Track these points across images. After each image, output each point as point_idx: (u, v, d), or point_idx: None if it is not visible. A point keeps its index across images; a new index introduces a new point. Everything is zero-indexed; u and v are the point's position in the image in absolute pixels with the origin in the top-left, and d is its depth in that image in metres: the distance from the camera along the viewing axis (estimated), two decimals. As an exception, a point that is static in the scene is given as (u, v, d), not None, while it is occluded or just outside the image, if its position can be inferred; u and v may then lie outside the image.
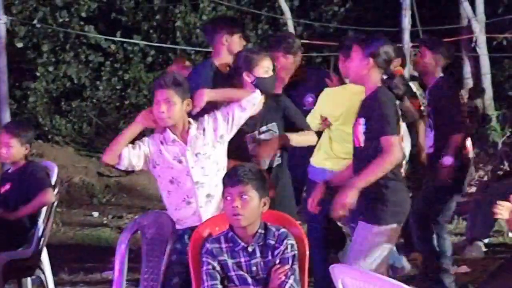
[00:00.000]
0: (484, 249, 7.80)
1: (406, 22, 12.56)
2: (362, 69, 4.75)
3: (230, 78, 5.38)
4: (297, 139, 5.34)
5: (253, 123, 5.13)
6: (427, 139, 6.53)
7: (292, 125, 5.34)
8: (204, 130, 4.83)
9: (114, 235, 9.40)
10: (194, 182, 4.75)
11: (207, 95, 4.87)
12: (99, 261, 7.95)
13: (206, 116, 4.87)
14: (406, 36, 12.76)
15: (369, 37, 4.88)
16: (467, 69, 14.01)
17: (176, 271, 4.62)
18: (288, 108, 5.40)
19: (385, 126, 4.61)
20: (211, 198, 4.77)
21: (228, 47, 5.94)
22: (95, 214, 10.87)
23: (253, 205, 4.10)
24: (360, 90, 4.91)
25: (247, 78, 5.21)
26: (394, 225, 4.72)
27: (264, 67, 5.25)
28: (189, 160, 4.76)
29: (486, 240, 7.90)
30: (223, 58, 5.95)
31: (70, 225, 10.09)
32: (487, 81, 13.31)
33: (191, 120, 4.84)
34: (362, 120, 4.73)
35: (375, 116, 4.65)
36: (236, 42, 5.96)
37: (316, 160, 5.73)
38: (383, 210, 4.68)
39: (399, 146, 4.66)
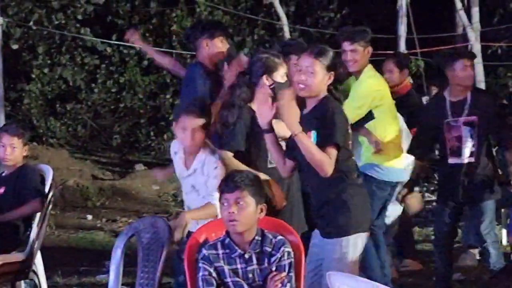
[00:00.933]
0: (478, 257, 7.81)
1: (402, 29, 12.62)
2: (325, 84, 4.71)
3: (218, 76, 5.53)
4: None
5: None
6: (465, 149, 6.33)
7: None
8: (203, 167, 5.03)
9: (108, 239, 9.39)
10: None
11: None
12: (93, 265, 7.95)
13: (213, 160, 5.01)
14: (402, 44, 12.81)
15: (322, 49, 4.75)
16: (462, 76, 14.01)
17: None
18: None
19: (334, 134, 4.51)
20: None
21: (209, 50, 6.02)
22: (89, 217, 10.85)
23: (249, 211, 4.11)
24: None
25: (266, 81, 5.25)
26: (362, 234, 4.66)
27: (281, 73, 5.35)
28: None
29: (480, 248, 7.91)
30: (207, 61, 6.04)
31: (64, 228, 10.07)
32: (482, 90, 13.33)
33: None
34: (313, 133, 4.55)
35: (326, 125, 4.53)
36: (217, 46, 6.01)
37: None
38: (347, 219, 4.59)
39: (333, 159, 4.50)
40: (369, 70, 6.29)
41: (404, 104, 7.08)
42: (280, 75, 5.32)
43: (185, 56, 16.14)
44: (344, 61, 6.20)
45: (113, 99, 16.31)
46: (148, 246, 4.71)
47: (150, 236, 4.71)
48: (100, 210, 11.45)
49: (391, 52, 12.77)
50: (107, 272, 7.42)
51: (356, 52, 6.19)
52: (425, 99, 15.32)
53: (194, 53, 6.83)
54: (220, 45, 6.03)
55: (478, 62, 13.35)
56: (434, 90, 15.73)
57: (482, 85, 13.24)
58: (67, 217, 10.94)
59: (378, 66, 7.20)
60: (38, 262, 6.09)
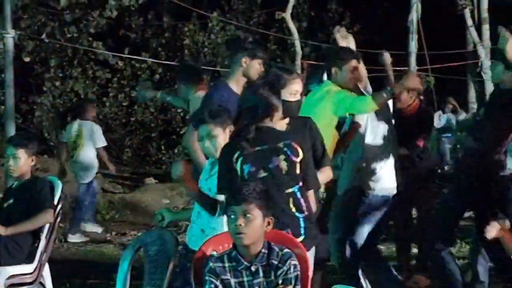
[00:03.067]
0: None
1: (413, 46, 12.63)
2: None
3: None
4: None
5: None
6: (509, 162, 6.29)
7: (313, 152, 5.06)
8: None
9: (117, 252, 9.38)
10: None
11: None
12: (101, 278, 7.93)
13: None
14: (413, 60, 12.82)
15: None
16: (472, 93, 14.05)
17: None
18: (313, 130, 5.21)
19: None
20: None
21: (245, 69, 5.87)
22: (99, 230, 10.85)
23: (256, 224, 4.10)
24: None
25: None
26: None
27: (291, 90, 5.15)
28: None
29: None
30: (237, 79, 5.89)
31: (74, 241, 10.09)
32: (492, 106, 13.31)
33: None
34: None
35: None
36: (254, 67, 5.87)
37: None
38: None
39: None
40: None
41: (417, 121, 7.21)
42: (290, 92, 5.11)
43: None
44: (349, 78, 6.10)
45: (124, 112, 16.37)
46: (156, 259, 4.71)
47: (157, 248, 4.72)
48: (110, 223, 11.45)
49: (403, 68, 12.83)
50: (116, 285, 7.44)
51: None
52: (437, 115, 15.39)
53: (206, 67, 6.93)
54: (256, 68, 5.89)
55: (489, 79, 13.37)
56: (450, 106, 15.81)
57: (493, 102, 13.24)
58: (77, 230, 10.93)
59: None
60: (46, 274, 6.08)
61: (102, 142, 10.75)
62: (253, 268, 4.15)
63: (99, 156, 10.70)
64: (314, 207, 4.72)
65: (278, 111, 4.65)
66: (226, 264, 4.15)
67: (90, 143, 10.56)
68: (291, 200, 4.51)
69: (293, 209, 4.53)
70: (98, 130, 10.77)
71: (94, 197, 10.81)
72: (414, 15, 13.04)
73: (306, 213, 4.57)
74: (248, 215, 4.09)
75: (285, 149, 4.53)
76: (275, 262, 4.16)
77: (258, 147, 4.54)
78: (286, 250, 4.21)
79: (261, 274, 4.15)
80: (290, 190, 4.53)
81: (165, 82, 16.25)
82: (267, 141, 4.55)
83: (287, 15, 14.64)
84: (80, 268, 8.57)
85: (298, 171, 4.55)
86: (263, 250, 4.16)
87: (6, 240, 5.81)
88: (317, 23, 17.33)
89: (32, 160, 6.06)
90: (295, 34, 14.84)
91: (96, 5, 15.61)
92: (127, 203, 12.30)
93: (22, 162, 6.01)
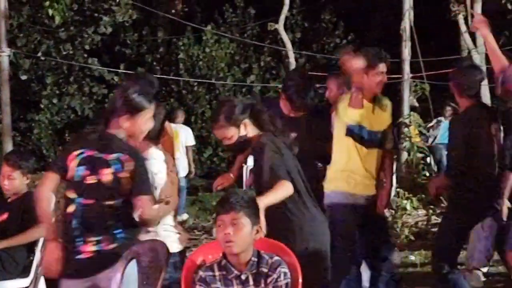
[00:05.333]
0: (483, 278, 7.78)
1: (406, 53, 12.68)
2: None
3: None
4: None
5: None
6: None
7: None
8: None
9: (113, 266, 9.39)
10: None
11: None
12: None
13: None
14: (407, 67, 12.86)
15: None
16: (468, 99, 14.04)
17: None
18: None
19: None
20: None
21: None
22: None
23: (245, 232, 4.12)
24: None
25: None
26: None
27: None
28: None
29: (485, 270, 7.88)
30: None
31: (70, 256, 10.08)
32: (488, 112, 13.34)
33: None
34: None
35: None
36: None
37: None
38: None
39: None
40: None
41: None
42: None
43: (192, 84, 16.25)
44: (378, 82, 5.96)
45: (121, 128, 16.39)
46: (148, 269, 4.72)
47: (149, 259, 4.73)
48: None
49: (397, 75, 12.87)
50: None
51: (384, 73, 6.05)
52: (433, 122, 15.38)
53: (201, 80, 7.05)
54: None
55: (485, 84, 13.39)
56: (449, 111, 15.75)
57: (488, 108, 13.28)
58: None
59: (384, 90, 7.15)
60: (42, 288, 6.11)
61: None
62: (243, 277, 4.16)
63: None
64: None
65: None
66: (216, 273, 4.17)
67: None
68: (109, 211, 4.36)
69: (111, 220, 4.37)
70: None
71: None
72: (407, 23, 13.09)
73: (122, 225, 4.39)
74: (237, 223, 4.11)
75: (116, 161, 4.40)
76: (265, 270, 4.17)
77: (97, 152, 4.42)
78: (276, 257, 4.23)
79: (251, 282, 4.17)
80: (110, 202, 4.38)
81: (161, 96, 16.27)
82: (106, 149, 4.43)
83: (280, 26, 14.70)
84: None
85: (125, 185, 4.38)
86: (253, 258, 4.18)
87: (1, 254, 5.84)
88: (311, 33, 17.38)
89: (27, 178, 6.11)
90: (289, 45, 14.90)
91: (91, 22, 15.71)
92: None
93: (17, 182, 6.07)
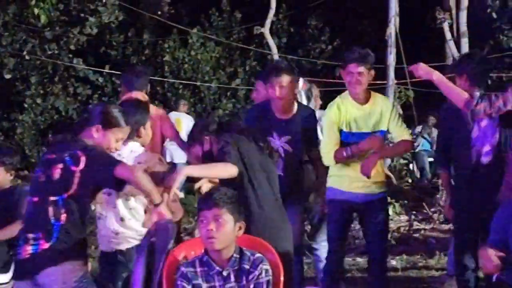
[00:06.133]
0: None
1: (391, 59, 12.70)
2: None
3: None
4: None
5: None
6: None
7: None
8: None
9: (96, 265, 9.36)
10: None
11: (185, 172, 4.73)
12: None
13: None
14: (391, 73, 12.89)
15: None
16: (452, 105, 14.09)
17: None
18: None
19: None
20: None
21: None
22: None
23: (227, 228, 4.13)
24: None
25: None
26: None
27: None
28: None
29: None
30: None
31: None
32: (472, 119, 13.38)
33: None
34: None
35: None
36: None
37: None
38: None
39: None
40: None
41: None
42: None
43: (177, 86, 16.24)
44: (348, 82, 6.07)
45: (105, 128, 16.34)
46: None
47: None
48: (89, 237, 11.36)
49: (382, 81, 12.90)
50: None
51: (362, 74, 6.06)
52: (418, 129, 15.43)
53: (186, 82, 7.12)
54: None
55: (468, 92, 13.45)
56: (432, 120, 15.80)
57: (471, 115, 13.31)
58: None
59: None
60: (22, 284, 6.06)
61: None
62: (224, 273, 4.17)
63: None
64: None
65: None
66: (198, 269, 4.18)
67: None
68: (51, 208, 4.39)
69: (52, 217, 4.39)
70: None
71: None
72: (393, 29, 13.11)
73: (62, 222, 4.40)
74: (219, 219, 4.12)
75: (68, 157, 4.44)
76: (247, 267, 4.18)
77: (55, 154, 4.50)
78: (258, 254, 4.24)
79: (232, 278, 4.17)
80: (53, 198, 4.41)
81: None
82: (64, 150, 4.48)
83: (266, 30, 14.71)
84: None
85: (80, 179, 4.40)
86: (234, 255, 4.19)
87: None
88: (297, 38, 17.40)
89: (11, 174, 6.12)
90: (274, 49, 14.91)
91: (76, 22, 15.66)
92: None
93: (1, 178, 6.06)
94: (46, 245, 4.33)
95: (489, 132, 5.82)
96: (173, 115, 12.70)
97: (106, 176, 4.35)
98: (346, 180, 6.01)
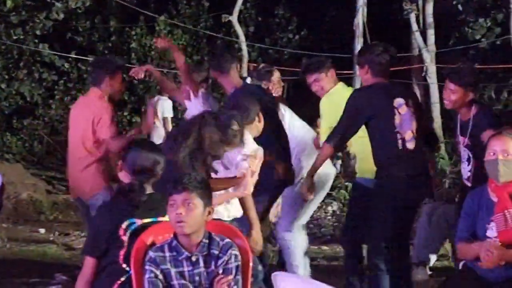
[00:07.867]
0: (429, 272, 7.88)
1: (359, 49, 12.71)
2: None
3: None
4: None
5: None
6: (462, 171, 6.09)
7: None
8: None
9: (60, 252, 9.32)
10: None
11: None
12: (43, 277, 7.84)
13: None
14: (359, 63, 12.90)
15: None
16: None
17: None
18: None
19: None
20: None
21: None
22: (42, 230, 10.73)
23: (197, 212, 4.11)
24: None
25: None
26: None
27: None
28: None
29: (431, 264, 7.98)
30: None
31: (16, 241, 9.96)
32: (436, 110, 13.50)
33: None
34: None
35: None
36: None
37: None
38: None
39: None
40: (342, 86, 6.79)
41: None
42: None
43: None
44: (315, 92, 6.66)
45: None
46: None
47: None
48: (53, 224, 11.33)
49: (349, 71, 12.95)
50: (58, 284, 7.38)
51: (318, 80, 6.63)
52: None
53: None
54: None
55: (433, 83, 13.56)
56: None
57: (437, 106, 13.43)
58: (19, 230, 10.82)
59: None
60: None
61: None
62: (193, 258, 4.16)
63: None
64: None
65: None
66: (167, 254, 4.16)
67: None
68: None
69: None
70: None
71: None
72: (360, 19, 13.18)
73: None
74: (189, 204, 4.10)
75: None
76: (216, 252, 4.17)
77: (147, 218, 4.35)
78: (227, 240, 4.23)
79: (201, 264, 4.16)
80: None
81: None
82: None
83: (234, 18, 14.68)
84: (23, 267, 8.47)
85: None
86: (203, 240, 4.17)
87: None
88: (264, 27, 17.39)
89: None
90: (242, 38, 14.89)
91: (42, 7, 15.49)
92: (71, 204, 12.13)
93: None
94: None
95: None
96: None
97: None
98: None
